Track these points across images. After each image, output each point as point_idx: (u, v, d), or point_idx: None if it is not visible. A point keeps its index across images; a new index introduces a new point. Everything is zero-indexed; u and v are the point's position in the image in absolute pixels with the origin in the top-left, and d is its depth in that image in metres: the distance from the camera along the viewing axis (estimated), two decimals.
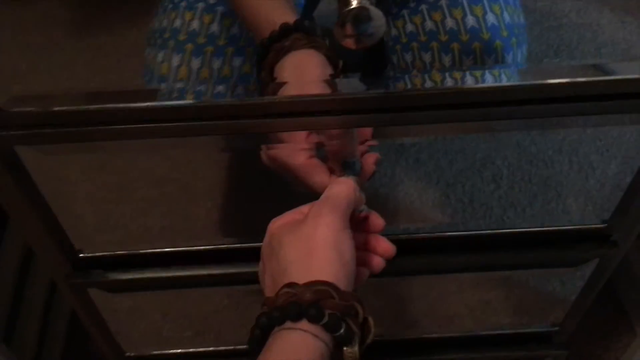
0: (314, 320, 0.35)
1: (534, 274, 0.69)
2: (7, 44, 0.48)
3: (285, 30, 0.40)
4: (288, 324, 0.35)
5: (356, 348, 0.37)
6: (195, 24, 0.47)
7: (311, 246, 0.37)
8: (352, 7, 0.33)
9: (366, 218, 0.43)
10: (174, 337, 0.77)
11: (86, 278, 0.57)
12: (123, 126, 0.43)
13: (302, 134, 0.45)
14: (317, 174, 0.45)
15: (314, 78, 0.41)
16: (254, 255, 0.57)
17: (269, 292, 0.39)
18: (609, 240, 0.54)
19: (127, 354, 0.71)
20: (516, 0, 0.49)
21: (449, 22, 0.46)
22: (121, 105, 0.43)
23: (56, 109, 0.43)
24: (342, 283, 0.36)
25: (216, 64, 0.46)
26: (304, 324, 0.35)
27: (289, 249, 0.38)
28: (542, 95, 0.44)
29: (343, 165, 0.44)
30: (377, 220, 0.43)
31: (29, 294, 0.93)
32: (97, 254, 0.57)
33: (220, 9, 0.47)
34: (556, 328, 0.68)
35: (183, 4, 0.47)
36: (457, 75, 0.45)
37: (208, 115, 0.43)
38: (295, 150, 0.45)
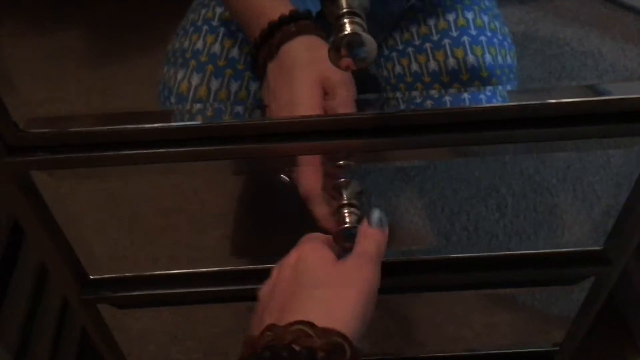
0: None
1: (540, 298, 0.70)
2: (25, 74, 0.51)
3: (291, 18, 0.40)
4: None
5: None
6: (216, 47, 0.49)
7: (345, 291, 0.34)
8: (346, 33, 0.35)
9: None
10: (182, 359, 0.78)
11: (96, 294, 0.59)
12: (140, 151, 0.46)
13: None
14: (318, 204, 0.44)
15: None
16: (259, 276, 0.59)
17: (268, 319, 0.35)
18: (604, 259, 0.55)
19: None
20: (504, 41, 0.49)
21: (432, 65, 0.48)
22: (140, 126, 0.45)
23: (73, 130, 0.45)
24: (356, 339, 0.33)
25: (234, 86, 0.48)
26: None
27: (318, 284, 0.35)
28: (534, 115, 0.46)
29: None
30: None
31: (42, 311, 0.95)
32: (106, 275, 0.59)
33: (240, 35, 0.49)
34: (557, 348, 0.69)
35: (205, 27, 0.49)
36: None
37: (227, 134, 0.45)
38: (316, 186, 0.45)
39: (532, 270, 0.58)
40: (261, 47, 0.41)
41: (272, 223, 0.59)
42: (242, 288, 0.61)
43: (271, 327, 0.33)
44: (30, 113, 0.45)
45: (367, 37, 0.35)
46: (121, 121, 0.46)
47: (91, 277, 0.58)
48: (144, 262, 0.60)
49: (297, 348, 0.31)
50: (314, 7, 0.49)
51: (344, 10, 0.37)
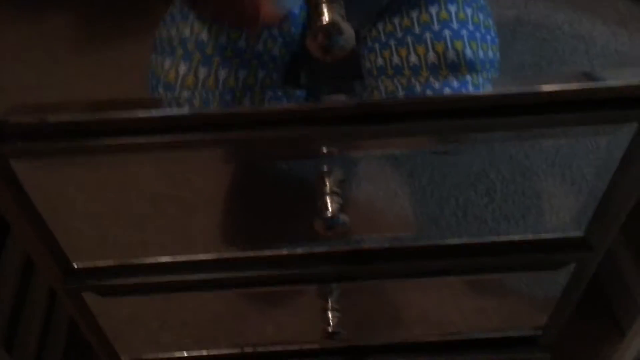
0: None
1: (527, 282, 0.70)
2: (12, 60, 0.50)
3: None
4: None
5: None
6: (204, 35, 0.48)
7: None
8: (325, 21, 0.35)
9: None
10: (172, 344, 0.78)
11: (80, 283, 0.59)
12: (124, 138, 0.45)
13: None
14: None
15: None
16: (248, 263, 0.60)
17: None
18: (585, 245, 0.55)
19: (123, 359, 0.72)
20: (486, 34, 0.49)
21: (413, 58, 0.48)
22: (124, 114, 0.45)
23: (54, 118, 0.45)
24: None
25: (222, 74, 0.48)
26: None
27: None
28: (518, 103, 0.46)
29: None
30: None
31: (30, 300, 0.95)
32: (91, 264, 0.59)
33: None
34: (540, 332, 0.70)
35: (192, 15, 0.49)
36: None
37: (214, 122, 0.45)
38: None
39: (513, 257, 0.58)
40: None
41: (262, 210, 0.59)
42: (231, 276, 0.61)
43: None
44: (16, 100, 0.45)
45: (345, 26, 0.35)
46: (104, 108, 0.46)
47: (75, 266, 0.58)
48: (132, 248, 0.60)
49: None
50: None
51: None
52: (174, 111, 0.46)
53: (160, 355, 0.76)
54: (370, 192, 0.57)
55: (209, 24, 0.48)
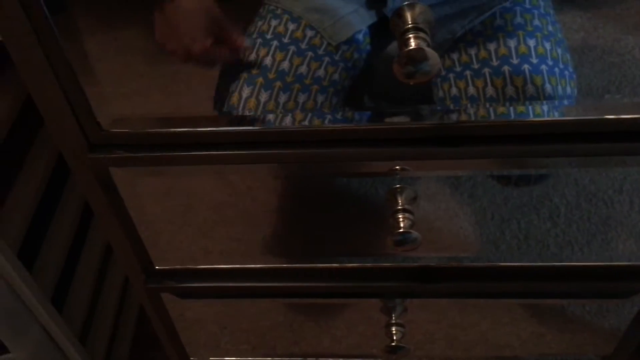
0: None
1: (590, 309, 0.69)
2: (119, 66, 0.54)
3: None
4: None
5: None
6: (268, 60, 0.50)
7: None
8: (411, 47, 0.37)
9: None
10: (231, 349, 0.81)
11: (161, 283, 0.63)
12: (207, 152, 0.49)
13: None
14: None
15: None
16: (308, 274, 0.61)
17: None
18: None
19: (192, 358, 0.76)
20: (565, 70, 0.49)
21: (490, 90, 0.48)
22: (209, 129, 0.49)
23: (150, 130, 0.49)
24: None
25: (283, 98, 0.50)
26: None
27: None
28: (591, 130, 0.46)
29: None
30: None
31: (104, 296, 0.99)
32: (171, 267, 0.63)
33: (292, 48, 0.51)
34: None
35: (274, 42, 0.51)
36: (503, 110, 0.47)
37: (284, 139, 0.48)
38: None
39: (581, 283, 0.58)
40: None
41: (331, 224, 0.61)
42: (295, 285, 0.63)
43: None
44: (117, 105, 0.49)
45: (430, 52, 0.37)
46: (194, 124, 0.49)
47: (157, 267, 0.62)
48: (197, 254, 0.63)
49: None
50: (370, 19, 0.50)
51: (409, 25, 0.38)
52: (249, 128, 0.49)
53: (224, 358, 0.79)
54: (436, 212, 0.58)
55: (272, 51, 0.51)
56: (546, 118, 0.48)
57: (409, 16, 0.39)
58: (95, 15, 0.46)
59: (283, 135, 0.49)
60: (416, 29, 0.38)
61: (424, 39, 0.38)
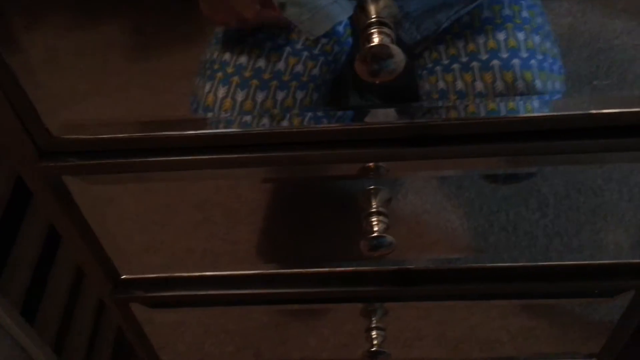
0: None
1: (580, 305, 0.68)
2: (67, 67, 0.52)
3: None
4: None
5: None
6: (243, 58, 0.49)
7: None
8: (374, 44, 0.34)
9: None
10: (215, 352, 0.79)
11: (128, 293, 0.60)
12: (170, 158, 0.47)
13: None
14: None
15: None
16: (291, 280, 0.59)
17: None
18: None
19: None
20: (553, 64, 0.47)
21: (478, 85, 0.46)
22: (170, 133, 0.46)
23: (105, 136, 0.46)
24: None
25: (260, 97, 0.49)
26: None
27: None
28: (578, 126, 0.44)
29: None
30: None
31: (80, 308, 0.97)
32: (138, 276, 0.60)
33: (269, 44, 0.49)
34: (594, 359, 0.67)
35: (250, 39, 0.49)
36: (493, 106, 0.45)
37: (257, 141, 0.45)
38: None
39: (568, 283, 0.56)
40: None
41: (308, 228, 0.59)
42: (274, 292, 0.61)
43: None
44: (68, 110, 0.46)
45: (395, 49, 0.34)
46: (153, 128, 0.47)
47: (123, 277, 0.59)
48: (178, 262, 0.61)
49: None
50: (351, 10, 0.48)
51: (373, 20, 0.36)
52: (217, 131, 0.47)
53: None
54: (416, 209, 0.56)
55: (248, 48, 0.49)
56: (537, 114, 0.46)
57: (372, 9, 0.36)
58: (36, 12, 0.43)
59: (251, 138, 0.47)
60: (380, 23, 0.35)
61: (387, 35, 0.35)
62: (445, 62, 0.47)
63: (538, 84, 0.45)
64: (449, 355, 0.75)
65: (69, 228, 0.53)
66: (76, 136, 0.46)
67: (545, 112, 0.46)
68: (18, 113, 0.44)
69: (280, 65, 0.48)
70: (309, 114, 0.48)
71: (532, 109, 0.46)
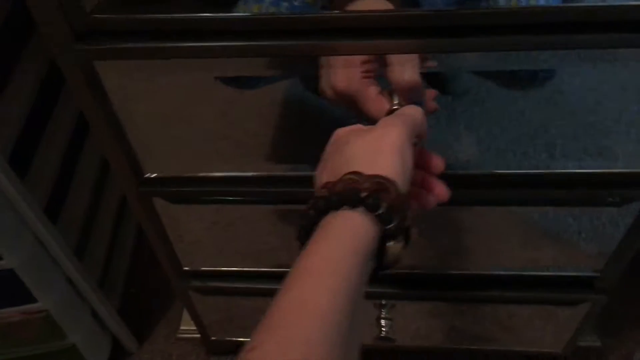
0: (371, 208, 0.36)
1: (586, 220, 0.67)
2: None
3: None
4: (345, 208, 0.36)
5: (400, 245, 0.38)
6: None
7: (378, 146, 0.39)
8: None
9: (425, 155, 0.45)
10: (225, 259, 0.80)
11: (152, 188, 0.62)
12: (200, 43, 0.47)
13: (359, 61, 0.46)
14: (380, 102, 0.46)
15: None
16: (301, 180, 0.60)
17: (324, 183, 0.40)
18: None
19: (185, 268, 0.76)
20: None
21: None
22: (202, 15, 0.46)
23: (138, 16, 0.47)
24: (401, 184, 0.38)
25: None
26: (360, 211, 0.36)
27: (355, 146, 0.40)
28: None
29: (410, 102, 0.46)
30: (437, 161, 0.45)
31: (102, 212, 0.99)
32: (161, 175, 0.62)
33: None
34: (597, 274, 0.69)
35: None
36: None
37: (283, 27, 0.46)
38: (359, 77, 0.47)
39: (577, 190, 0.57)
40: None
41: (313, 129, 0.58)
42: (285, 190, 0.62)
43: (325, 184, 0.39)
44: None
45: None
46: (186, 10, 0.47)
47: (146, 175, 0.61)
48: (188, 160, 0.61)
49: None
50: None
51: None
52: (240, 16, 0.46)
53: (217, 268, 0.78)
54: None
55: None
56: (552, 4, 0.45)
57: None
58: None
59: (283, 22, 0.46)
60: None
61: None
62: None
63: None
64: (458, 265, 0.75)
65: (99, 118, 0.54)
66: (109, 15, 0.47)
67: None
68: None
69: None
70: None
71: None
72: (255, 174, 0.62)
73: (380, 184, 0.37)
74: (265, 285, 0.77)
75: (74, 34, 0.48)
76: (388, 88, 0.47)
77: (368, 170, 0.38)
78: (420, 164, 0.45)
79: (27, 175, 0.75)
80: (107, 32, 0.48)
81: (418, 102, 0.46)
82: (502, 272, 0.72)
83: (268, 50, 0.48)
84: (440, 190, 0.44)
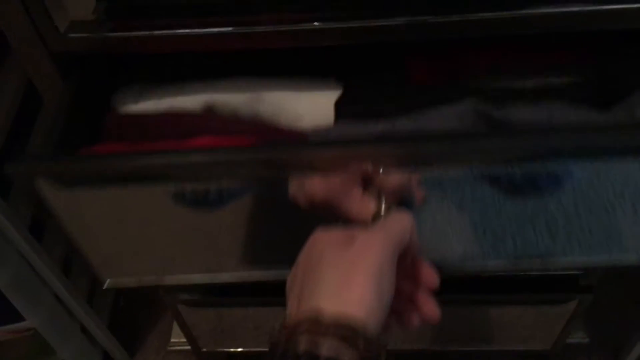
0: None
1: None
2: None
3: None
4: None
5: None
6: None
7: (352, 273, 0.34)
8: None
9: (419, 266, 0.40)
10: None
11: None
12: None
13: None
14: (365, 206, 0.43)
15: None
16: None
17: (292, 306, 0.36)
18: None
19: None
20: None
21: None
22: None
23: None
24: (373, 322, 0.33)
25: None
26: None
27: (327, 268, 0.35)
28: None
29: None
30: (431, 275, 0.39)
31: None
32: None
33: None
34: (582, 272, 0.69)
35: None
36: None
37: None
38: (340, 181, 0.43)
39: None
40: None
41: (285, 227, 0.52)
42: None
43: (285, 326, 0.34)
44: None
45: None
46: None
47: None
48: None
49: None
50: None
51: None
52: None
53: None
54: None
55: None
56: None
57: None
58: None
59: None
60: None
61: None
62: None
63: None
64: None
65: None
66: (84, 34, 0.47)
67: None
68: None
69: None
70: None
71: None
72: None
73: (344, 337, 0.32)
74: (253, 297, 0.77)
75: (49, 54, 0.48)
76: (371, 187, 0.43)
77: (334, 305, 0.33)
78: (410, 274, 0.40)
79: (10, 194, 0.74)
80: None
81: (406, 201, 0.43)
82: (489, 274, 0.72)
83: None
84: (430, 310, 0.39)
